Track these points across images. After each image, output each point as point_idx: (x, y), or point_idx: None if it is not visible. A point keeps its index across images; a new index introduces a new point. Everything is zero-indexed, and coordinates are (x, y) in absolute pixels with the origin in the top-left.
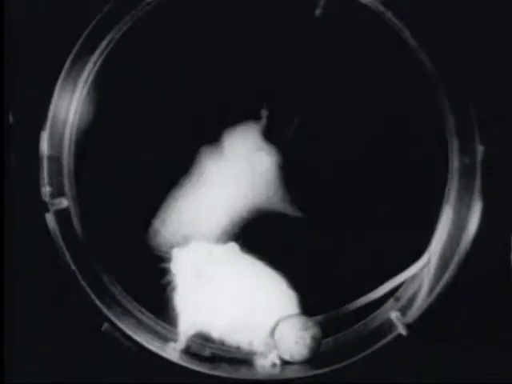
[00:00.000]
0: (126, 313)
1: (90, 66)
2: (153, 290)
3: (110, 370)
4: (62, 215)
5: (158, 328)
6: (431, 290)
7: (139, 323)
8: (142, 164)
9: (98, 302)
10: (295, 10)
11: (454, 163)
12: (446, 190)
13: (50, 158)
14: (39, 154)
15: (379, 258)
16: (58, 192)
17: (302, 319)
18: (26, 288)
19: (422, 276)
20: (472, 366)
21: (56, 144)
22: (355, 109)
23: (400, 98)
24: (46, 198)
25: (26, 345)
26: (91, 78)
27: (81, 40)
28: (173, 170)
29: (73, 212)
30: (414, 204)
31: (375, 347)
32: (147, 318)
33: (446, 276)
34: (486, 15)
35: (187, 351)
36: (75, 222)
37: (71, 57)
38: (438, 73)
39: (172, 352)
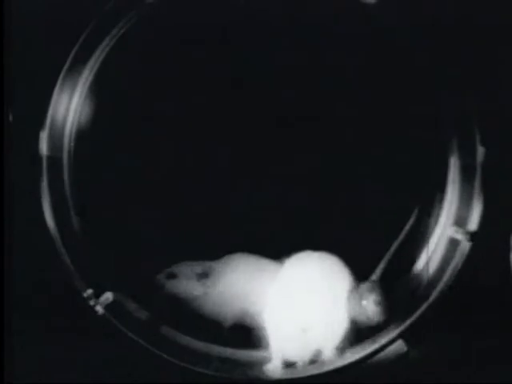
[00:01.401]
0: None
1: (89, 65)
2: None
3: (110, 369)
4: (61, 214)
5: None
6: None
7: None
8: (141, 164)
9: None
10: (295, 10)
11: (454, 164)
12: (446, 190)
13: (50, 158)
14: (39, 153)
15: (380, 257)
16: (100, 289)
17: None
18: (26, 288)
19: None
20: (472, 366)
21: (55, 144)
22: (354, 110)
23: (400, 99)
24: (92, 302)
25: (26, 345)
26: (91, 77)
27: (81, 40)
28: (173, 169)
29: (72, 212)
30: (414, 204)
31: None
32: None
33: (446, 276)
34: (486, 15)
35: (286, 365)
36: (74, 221)
37: (71, 56)
38: (439, 73)
39: (273, 372)
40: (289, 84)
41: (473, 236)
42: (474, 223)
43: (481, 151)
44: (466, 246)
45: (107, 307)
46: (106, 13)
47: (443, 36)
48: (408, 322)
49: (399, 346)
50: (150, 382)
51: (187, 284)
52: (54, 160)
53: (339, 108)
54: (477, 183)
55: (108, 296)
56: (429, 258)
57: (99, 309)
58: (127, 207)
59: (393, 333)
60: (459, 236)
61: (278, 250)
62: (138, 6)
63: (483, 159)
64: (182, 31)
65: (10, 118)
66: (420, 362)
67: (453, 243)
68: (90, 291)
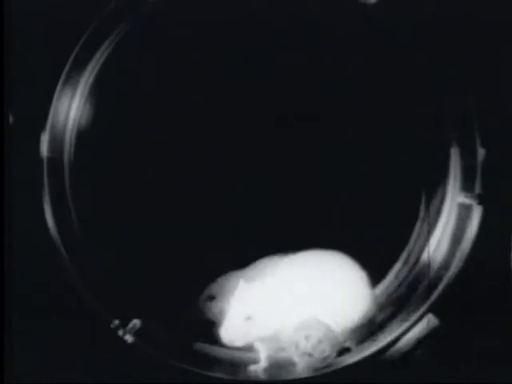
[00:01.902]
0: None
1: (90, 66)
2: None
3: (110, 369)
4: (61, 214)
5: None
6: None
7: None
8: (142, 165)
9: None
10: (295, 10)
11: (455, 164)
12: (447, 190)
13: (50, 159)
14: (39, 155)
15: (378, 257)
16: (127, 318)
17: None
18: (26, 288)
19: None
20: (472, 366)
21: (56, 145)
22: (354, 110)
23: (400, 98)
24: (121, 332)
25: (26, 345)
26: (91, 78)
27: (82, 41)
28: (174, 169)
29: (73, 212)
30: (413, 204)
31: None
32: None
33: (447, 276)
34: (486, 14)
35: (271, 367)
36: (75, 222)
37: (72, 57)
38: (439, 72)
39: (257, 372)
40: (289, 84)
41: (481, 198)
42: (474, 223)
43: (481, 152)
44: (466, 246)
45: (136, 334)
46: (107, 13)
47: (443, 35)
48: (408, 322)
49: (431, 320)
50: (150, 382)
51: (225, 304)
52: (55, 161)
53: (339, 108)
54: (477, 184)
55: (135, 323)
56: (430, 258)
57: (128, 338)
58: (128, 208)
59: (394, 332)
60: (469, 201)
61: (277, 249)
62: (139, 6)
63: (483, 159)
64: (183, 31)
65: (11, 119)
66: (420, 362)
67: (452, 244)
68: (116, 322)
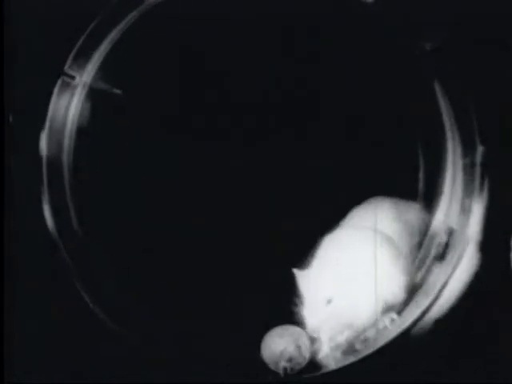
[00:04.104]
0: None
1: (90, 65)
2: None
3: (110, 369)
4: (61, 215)
5: None
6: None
7: None
8: (142, 164)
9: None
10: (295, 10)
11: (454, 164)
12: (446, 189)
13: (50, 158)
14: (39, 154)
15: None
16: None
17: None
18: (26, 288)
19: None
20: (471, 366)
21: (55, 144)
22: (355, 109)
23: (400, 99)
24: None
25: (26, 345)
26: (91, 77)
27: (81, 40)
28: (173, 168)
29: (72, 212)
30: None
31: None
32: None
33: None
34: (486, 15)
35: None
36: (74, 221)
37: (71, 56)
38: (438, 73)
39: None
40: (288, 84)
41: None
42: (474, 224)
43: (481, 151)
44: (466, 245)
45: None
46: (107, 13)
47: (443, 35)
48: (409, 321)
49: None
50: (150, 381)
51: None
52: (54, 160)
53: (338, 108)
54: (477, 183)
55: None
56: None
57: None
58: (128, 207)
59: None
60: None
61: (277, 249)
62: (138, 6)
63: (483, 159)
64: (184, 31)
65: (10, 118)
66: (420, 361)
67: (452, 244)
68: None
